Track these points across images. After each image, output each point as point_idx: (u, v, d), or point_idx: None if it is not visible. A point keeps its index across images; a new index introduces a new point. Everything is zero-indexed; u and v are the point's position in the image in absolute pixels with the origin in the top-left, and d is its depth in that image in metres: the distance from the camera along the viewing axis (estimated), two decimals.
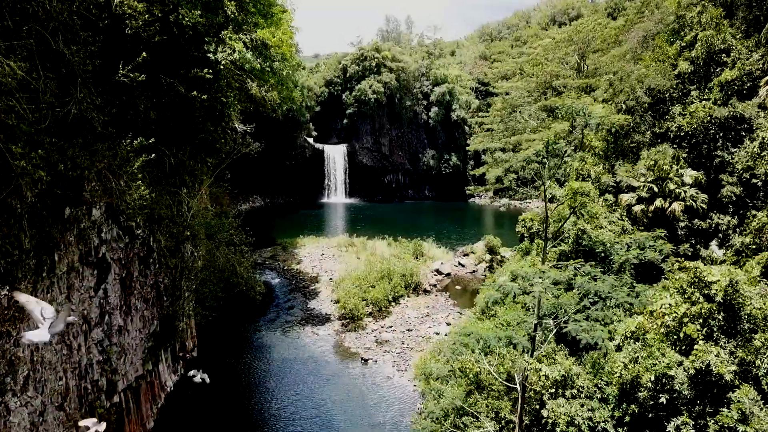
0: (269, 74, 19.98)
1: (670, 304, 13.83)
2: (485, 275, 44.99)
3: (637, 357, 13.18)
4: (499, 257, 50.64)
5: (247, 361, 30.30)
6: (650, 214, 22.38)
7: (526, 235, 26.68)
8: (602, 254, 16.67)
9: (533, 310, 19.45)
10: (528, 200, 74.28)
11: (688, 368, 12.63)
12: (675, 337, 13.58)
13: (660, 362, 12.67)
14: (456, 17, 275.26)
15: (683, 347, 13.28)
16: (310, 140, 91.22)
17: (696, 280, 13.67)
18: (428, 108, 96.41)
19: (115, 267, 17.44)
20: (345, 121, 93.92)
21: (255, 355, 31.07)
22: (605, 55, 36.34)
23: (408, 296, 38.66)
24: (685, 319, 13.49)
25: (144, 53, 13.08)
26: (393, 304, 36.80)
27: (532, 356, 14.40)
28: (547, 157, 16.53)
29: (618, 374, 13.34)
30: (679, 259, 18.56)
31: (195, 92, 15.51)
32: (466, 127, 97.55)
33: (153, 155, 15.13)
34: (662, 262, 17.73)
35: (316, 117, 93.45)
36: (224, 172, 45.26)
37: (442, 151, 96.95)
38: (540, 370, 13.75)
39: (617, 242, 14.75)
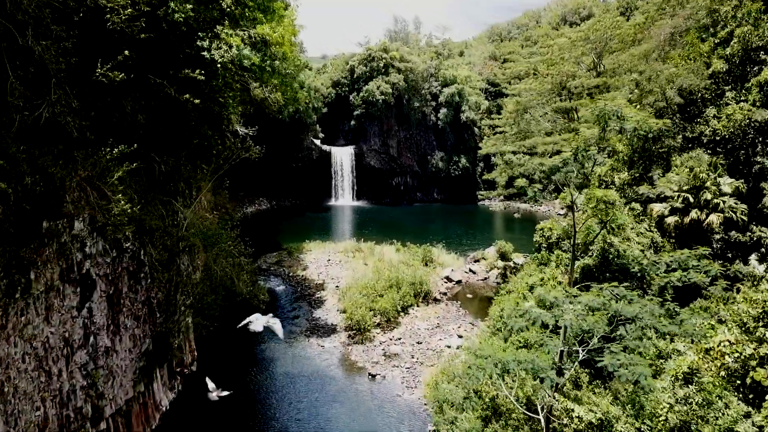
0: (269, 74, 18.54)
1: (730, 341, 12.11)
2: (498, 283, 43.32)
3: (687, 398, 11.48)
4: (511, 263, 48.97)
5: (250, 375, 28.90)
6: (685, 227, 20.66)
7: (544, 245, 25.11)
8: (638, 274, 15.06)
9: (554, 329, 17.91)
10: (539, 204, 72.61)
11: (760, 424, 10.81)
12: (739, 382, 11.82)
13: (724, 414, 10.96)
14: (462, 18, 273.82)
15: (751, 396, 11.51)
16: (317, 142, 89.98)
17: (764, 315, 11.87)
18: (437, 109, 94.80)
19: (101, 283, 16.07)
20: (352, 122, 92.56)
21: (257, 369, 29.66)
22: (624, 54, 34.53)
23: (417, 305, 37.10)
24: (752, 362, 11.69)
25: (126, 51, 11.65)
26: (402, 314, 35.26)
27: (557, 389, 12.84)
28: (576, 166, 14.92)
29: (663, 417, 11.67)
30: (728, 282, 16.83)
31: (186, 95, 14.07)
32: (476, 129, 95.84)
33: (136, 164, 13.77)
34: (711, 285, 16.07)
35: (323, 118, 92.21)
36: (224, 178, 43.97)
37: (451, 153, 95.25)
38: (572, 410, 12.16)
39: (655, 261, 13.14)
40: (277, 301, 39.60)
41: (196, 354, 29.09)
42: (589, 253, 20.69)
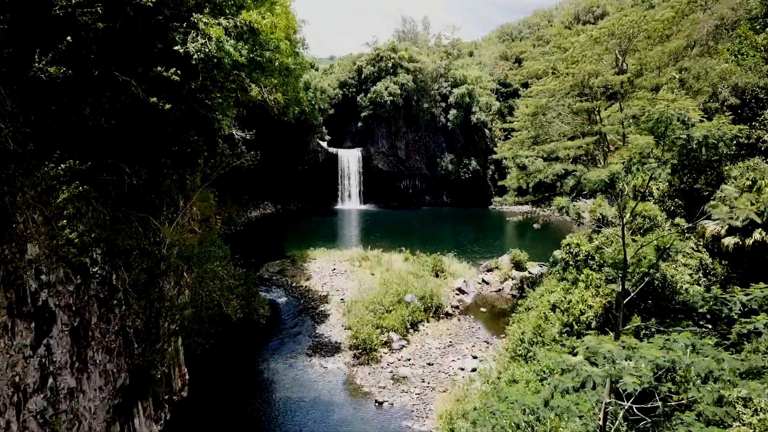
0: (261, 71, 16.17)
1: None
2: (513, 295, 40.76)
3: None
4: (526, 273, 46.43)
5: (246, 400, 26.58)
6: (747, 249, 18.06)
7: (571, 262, 22.66)
8: (707, 315, 12.46)
9: (582, 354, 15.41)
10: (552, 209, 69.88)
11: None
12: None
13: None
14: (469, 21, 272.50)
15: None
16: (324, 144, 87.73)
17: None
18: (447, 110, 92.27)
19: (63, 315, 13.78)
20: (360, 124, 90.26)
21: (255, 394, 27.33)
22: (652, 51, 31.91)
23: (428, 321, 34.63)
24: None
25: (68, 39, 9.33)
26: (411, 331, 32.80)
27: None
28: (626, 179, 12.44)
29: None
30: None
31: (155, 98, 11.73)
32: (487, 131, 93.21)
33: (105, 176, 11.46)
34: None
35: (329, 120, 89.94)
36: (226, 184, 41.78)
37: (461, 156, 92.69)
38: None
39: (725, 299, 10.67)
40: (279, 314, 37.31)
41: (187, 378, 26.74)
42: (630, 278, 18.14)
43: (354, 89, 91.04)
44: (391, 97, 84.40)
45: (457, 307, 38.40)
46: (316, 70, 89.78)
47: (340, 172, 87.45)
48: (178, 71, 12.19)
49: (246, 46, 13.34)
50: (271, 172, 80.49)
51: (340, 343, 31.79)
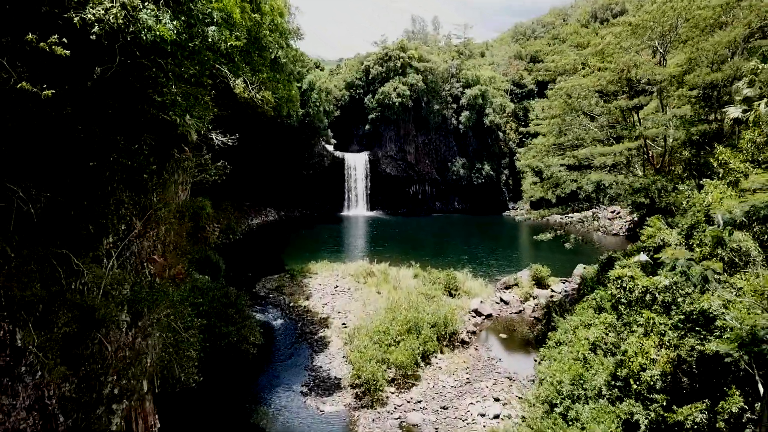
0: (197, 54, 11.93)
1: None
2: (536, 318, 36.40)
3: None
4: (548, 291, 42.07)
5: None
6: None
7: (623, 299, 18.35)
8: None
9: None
10: (571, 215, 65.58)
11: None
12: None
13: None
14: (479, 23, 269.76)
15: None
16: (329, 148, 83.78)
17: None
18: (458, 112, 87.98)
19: None
20: (367, 126, 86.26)
21: None
22: (709, 41, 27.49)
23: (441, 352, 30.34)
24: None
25: None
26: (422, 364, 28.52)
27: None
28: None
29: None
30: None
31: (34, 86, 7.62)
32: (500, 133, 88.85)
33: None
34: None
35: (335, 122, 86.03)
36: (206, 198, 37.61)
37: (474, 160, 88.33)
38: None
39: None
40: (273, 339, 33.25)
41: (158, 424, 22.71)
42: (713, 331, 13.86)
43: (361, 90, 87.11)
44: (400, 99, 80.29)
45: (473, 333, 34.10)
46: (322, 70, 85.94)
47: (347, 177, 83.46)
48: (65, 41, 7.99)
49: (177, 22, 9.21)
50: (273, 178, 76.73)
51: (341, 379, 27.60)
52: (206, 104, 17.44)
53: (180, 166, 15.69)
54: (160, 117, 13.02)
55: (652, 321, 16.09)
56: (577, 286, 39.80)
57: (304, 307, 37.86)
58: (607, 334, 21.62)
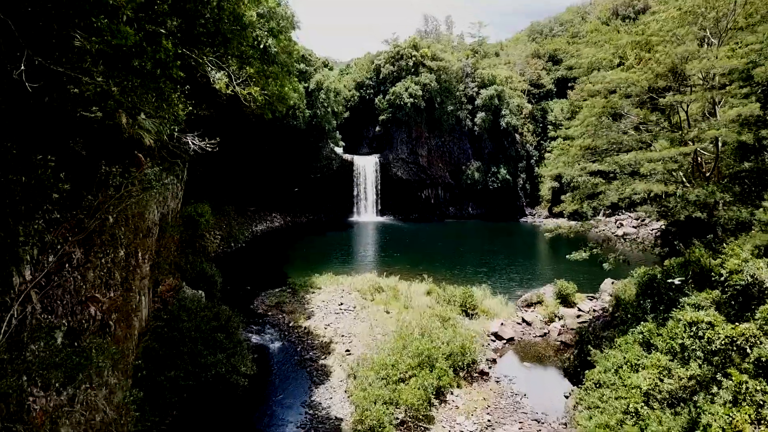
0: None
1: None
2: (563, 343, 32.46)
3: None
4: (576, 311, 38.15)
5: None
6: None
7: (699, 351, 14.48)
8: None
9: None
10: (592, 222, 61.26)
11: None
12: None
13: None
14: (492, 24, 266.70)
15: None
16: (338, 150, 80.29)
17: None
18: (473, 113, 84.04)
19: None
20: (377, 128, 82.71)
21: None
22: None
23: (458, 386, 26.53)
24: None
25: None
26: (436, 403, 24.74)
27: None
28: None
29: None
30: None
31: None
32: (517, 135, 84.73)
33: None
34: None
35: (344, 124, 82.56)
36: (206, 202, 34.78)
37: (489, 163, 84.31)
38: None
39: None
40: (269, 367, 29.70)
41: None
42: None
43: (371, 90, 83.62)
44: (412, 99, 76.58)
45: (494, 361, 30.25)
46: (331, 69, 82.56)
47: (356, 181, 79.94)
48: None
49: None
50: (279, 182, 73.45)
51: (342, 420, 23.91)
52: (173, 100, 13.91)
53: (132, 178, 12.15)
54: (78, 114, 9.49)
55: (745, 386, 12.27)
56: (607, 305, 35.77)
57: (305, 328, 34.27)
58: (661, 380, 17.70)
